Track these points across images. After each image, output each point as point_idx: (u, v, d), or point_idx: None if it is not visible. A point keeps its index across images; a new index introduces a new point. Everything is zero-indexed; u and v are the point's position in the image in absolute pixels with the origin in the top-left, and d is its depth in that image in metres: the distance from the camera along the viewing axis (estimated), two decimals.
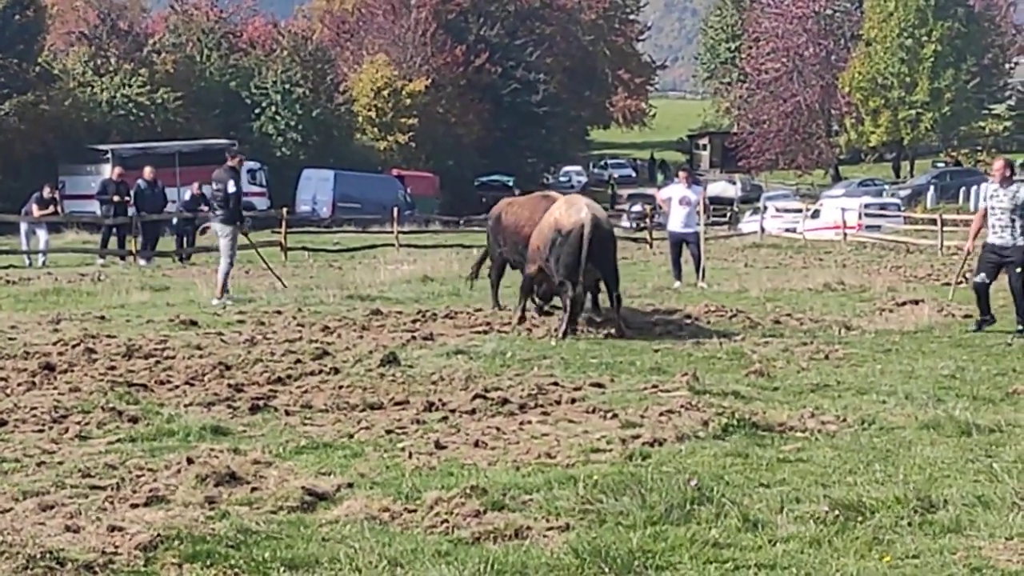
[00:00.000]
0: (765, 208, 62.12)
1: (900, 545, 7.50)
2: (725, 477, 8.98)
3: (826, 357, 15.05)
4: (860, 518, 7.94)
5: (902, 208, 61.18)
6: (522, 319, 18.00)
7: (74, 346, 15.42)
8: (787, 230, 55.06)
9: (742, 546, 7.50)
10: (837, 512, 7.99)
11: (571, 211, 17.24)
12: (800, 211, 58.86)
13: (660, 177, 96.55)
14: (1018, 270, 17.09)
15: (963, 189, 72.25)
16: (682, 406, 11.54)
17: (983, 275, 17.50)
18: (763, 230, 53.40)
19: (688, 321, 18.36)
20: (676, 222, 25.77)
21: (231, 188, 21.66)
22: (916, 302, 20.41)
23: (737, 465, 9.40)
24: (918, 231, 49.38)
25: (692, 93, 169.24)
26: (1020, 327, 17.13)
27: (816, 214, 56.32)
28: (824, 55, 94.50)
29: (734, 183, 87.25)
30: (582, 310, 17.43)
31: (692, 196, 25.80)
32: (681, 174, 27.76)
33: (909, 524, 7.86)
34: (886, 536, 7.66)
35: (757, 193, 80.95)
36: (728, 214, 72.19)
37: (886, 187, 78.42)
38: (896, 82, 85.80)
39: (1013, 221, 17.07)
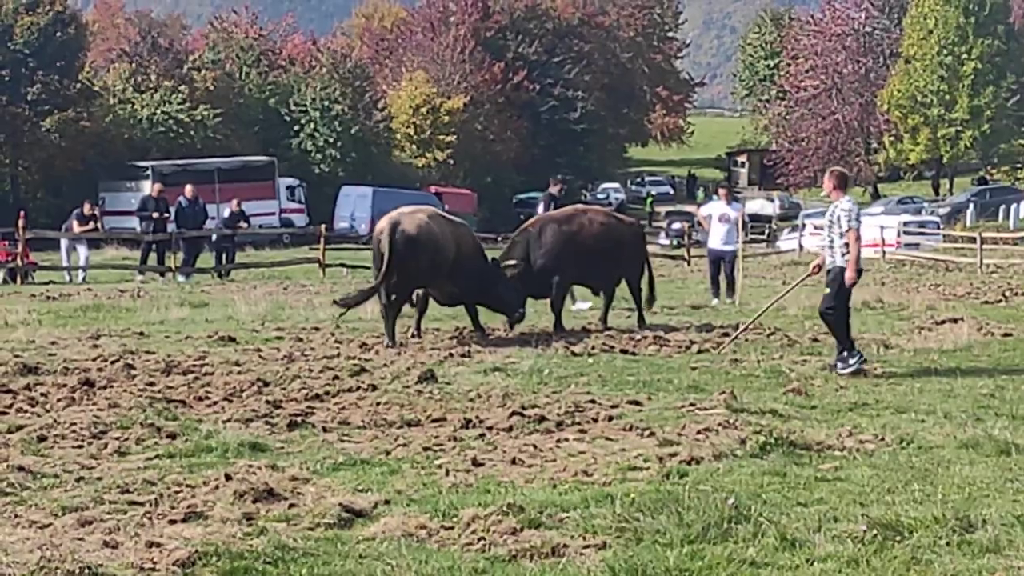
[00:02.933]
0: (803, 225, 61.92)
1: (938, 565, 7.46)
2: (763, 496, 8.95)
3: (864, 375, 15.00)
4: (898, 538, 7.90)
5: (941, 226, 60.93)
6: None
7: (113, 362, 15.49)
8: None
9: (779, 565, 7.48)
10: (875, 532, 7.95)
11: (384, 219, 18.34)
12: None
13: (700, 195, 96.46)
14: None
15: (1003, 207, 71.89)
16: (720, 424, 11.52)
17: None
18: (801, 247, 53.25)
19: (726, 339, 18.31)
20: (716, 239, 25.80)
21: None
22: (955, 320, 20.31)
23: (775, 484, 9.37)
24: (957, 249, 49.17)
25: (730, 111, 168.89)
26: None
27: None
28: (863, 72, 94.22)
29: (772, 200, 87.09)
30: (392, 317, 17.94)
31: (732, 213, 25.84)
32: (720, 191, 27.73)
33: (947, 544, 7.83)
34: (924, 556, 7.62)
35: (795, 210, 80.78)
36: (766, 231, 72.00)
37: (925, 205, 78.08)
38: (935, 100, 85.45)
39: None
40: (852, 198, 15.83)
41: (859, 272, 15.58)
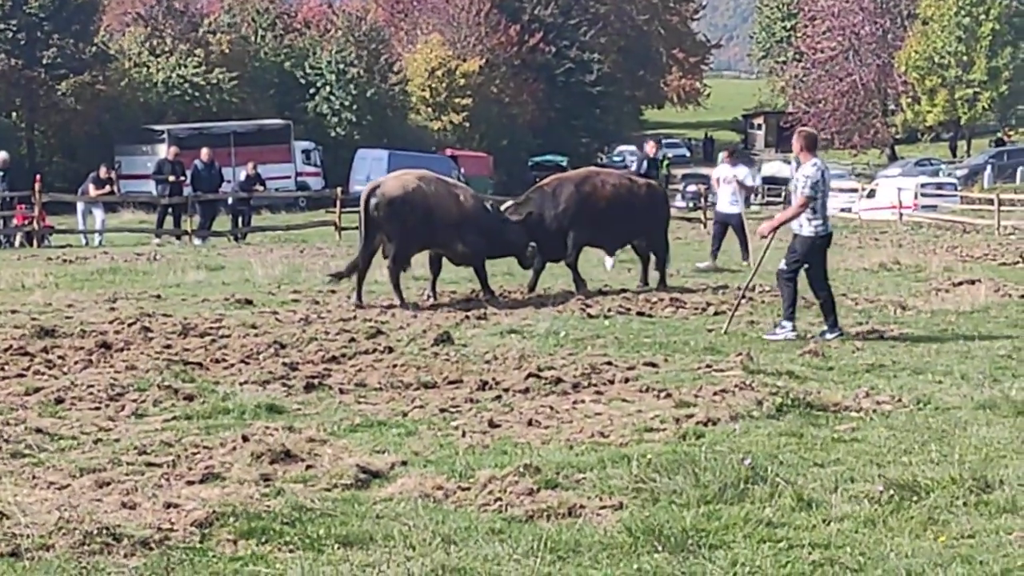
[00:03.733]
0: None
1: (955, 525, 7.46)
2: (779, 457, 8.96)
3: (881, 337, 14.98)
4: (915, 498, 7.89)
5: (959, 188, 60.73)
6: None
7: (130, 325, 15.54)
8: (842, 210, 54.71)
9: (796, 525, 7.48)
10: (892, 492, 7.95)
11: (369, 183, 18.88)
12: (855, 191, 58.50)
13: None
14: None
15: (1020, 169, 71.61)
16: (736, 386, 11.52)
17: None
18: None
19: (743, 300, 18.30)
20: (722, 202, 25.79)
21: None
22: (972, 282, 20.28)
23: (791, 445, 9.37)
24: (975, 211, 49.01)
25: (747, 73, 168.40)
26: None
27: (872, 194, 55.99)
28: (880, 34, 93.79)
29: (789, 163, 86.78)
30: (360, 276, 18.19)
31: (733, 175, 25.60)
32: (723, 154, 27.58)
33: (964, 504, 7.82)
34: (941, 516, 7.62)
35: None
36: (783, 194, 71.79)
37: (942, 167, 77.80)
38: (953, 61, 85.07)
39: None
40: (819, 162, 15.00)
41: (774, 232, 15.37)
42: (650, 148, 24.58)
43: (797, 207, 14.86)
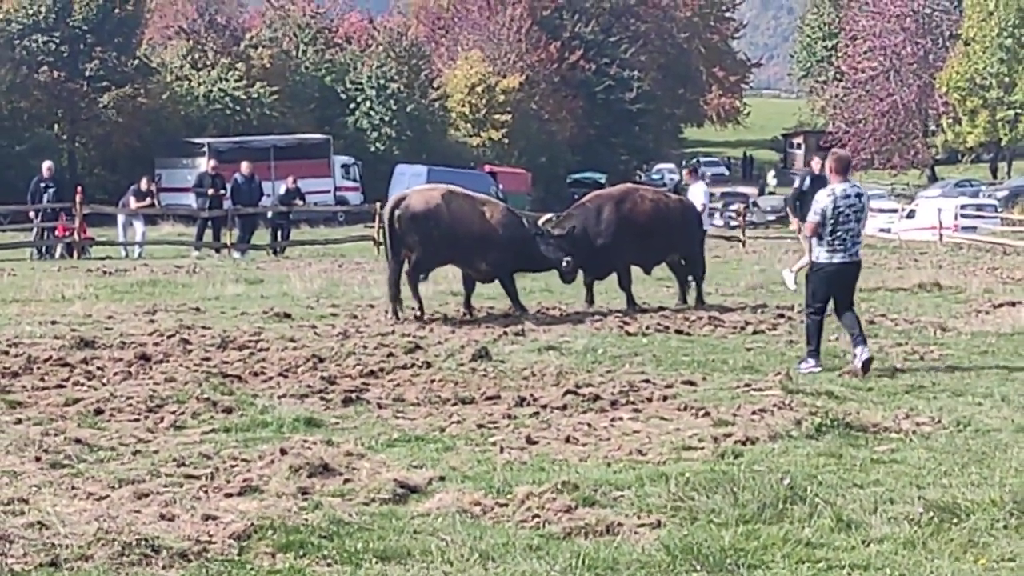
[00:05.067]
0: None
1: (995, 548, 7.43)
2: (818, 477, 8.92)
3: (921, 358, 14.91)
4: (955, 520, 7.86)
5: (999, 209, 60.47)
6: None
7: (169, 337, 15.60)
8: (882, 230, 54.53)
9: (835, 546, 7.46)
10: (932, 514, 7.92)
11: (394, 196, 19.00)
12: (895, 211, 58.30)
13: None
14: None
15: None
16: (775, 405, 11.49)
17: None
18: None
19: (782, 319, 18.26)
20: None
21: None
22: (1013, 304, 20.17)
23: (830, 465, 9.34)
24: (1015, 232, 48.77)
25: (787, 92, 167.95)
26: None
27: (912, 214, 55.79)
28: (922, 54, 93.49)
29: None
30: (393, 290, 18.18)
31: (695, 192, 25.19)
32: (685, 172, 27.20)
33: (1005, 527, 7.78)
34: (981, 539, 7.59)
35: None
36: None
37: (983, 188, 77.44)
38: (995, 82, 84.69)
39: None
40: (845, 187, 13.99)
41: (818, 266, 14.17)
42: (815, 164, 23.11)
43: (808, 230, 14.34)
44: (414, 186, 64.92)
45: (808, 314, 14.34)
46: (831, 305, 14.28)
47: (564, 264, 18.79)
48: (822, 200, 13.97)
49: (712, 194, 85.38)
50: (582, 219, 19.33)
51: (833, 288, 14.16)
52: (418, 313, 18.05)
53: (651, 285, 22.54)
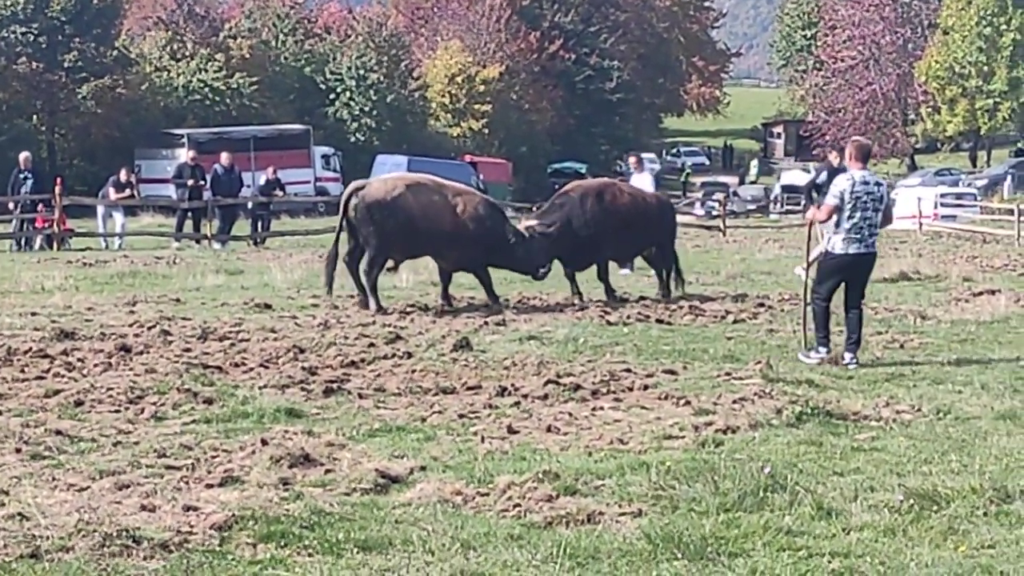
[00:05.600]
0: None
1: (975, 535, 7.45)
2: (799, 465, 8.95)
3: (901, 346, 14.95)
4: (935, 508, 7.89)
5: (979, 198, 60.61)
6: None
7: (150, 328, 15.57)
8: None
9: (816, 534, 7.48)
10: (912, 501, 7.95)
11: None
12: None
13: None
14: None
15: None
16: (755, 394, 11.51)
17: None
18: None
19: (762, 308, 18.29)
20: None
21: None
22: (993, 292, 20.21)
23: (811, 453, 9.37)
24: (995, 221, 48.90)
25: (767, 81, 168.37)
26: None
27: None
28: (901, 43, 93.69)
29: (809, 171, 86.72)
30: (373, 287, 17.97)
31: (640, 182, 24.69)
32: (632, 160, 26.86)
33: (985, 514, 7.81)
34: (961, 526, 7.61)
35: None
36: (802, 203, 71.74)
37: (962, 177, 77.63)
38: (974, 71, 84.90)
39: None
40: (864, 175, 13.76)
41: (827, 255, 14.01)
42: (834, 158, 22.64)
43: (823, 213, 14.15)
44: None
45: (815, 300, 14.05)
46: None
47: (539, 272, 18.67)
48: (840, 183, 13.75)
49: (692, 183, 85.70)
50: (568, 210, 19.20)
51: (845, 279, 13.93)
52: (374, 308, 17.68)
53: (631, 276, 22.57)
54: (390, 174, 19.37)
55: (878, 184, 13.90)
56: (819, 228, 16.28)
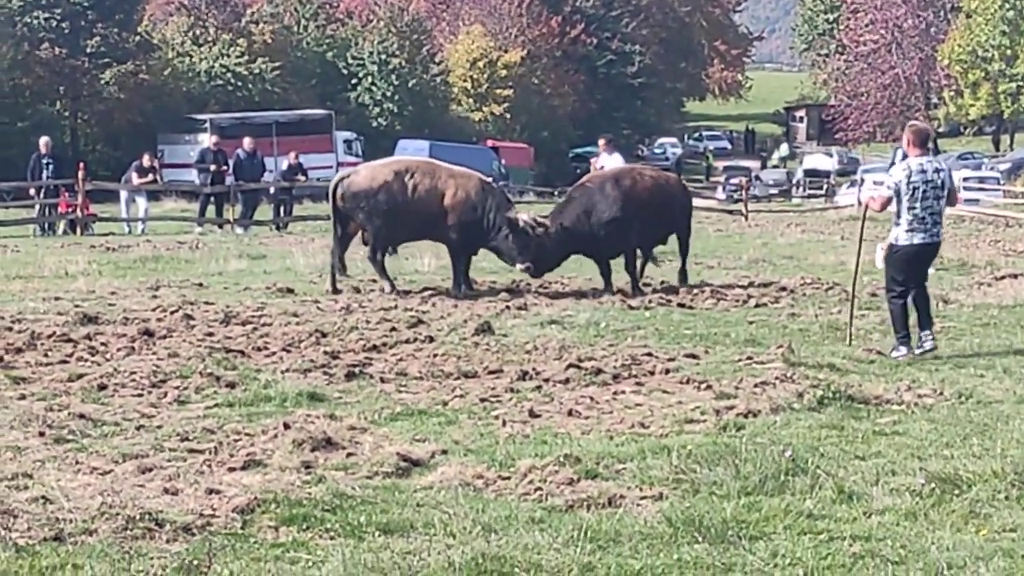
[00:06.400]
0: (862, 181, 61.41)
1: (997, 519, 7.45)
2: (820, 449, 8.95)
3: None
4: (956, 491, 7.88)
5: (1001, 182, 60.39)
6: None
7: (173, 312, 15.62)
8: None
9: (837, 518, 7.48)
10: (933, 485, 7.94)
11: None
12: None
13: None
14: None
15: None
16: (777, 378, 11.49)
17: None
18: (860, 203, 52.86)
19: (784, 293, 18.27)
20: None
21: None
22: (1015, 276, 20.16)
23: (832, 437, 9.36)
24: (1017, 205, 48.73)
25: (789, 65, 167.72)
26: None
27: None
28: (924, 27, 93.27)
29: (831, 155, 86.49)
30: (381, 270, 18.32)
31: (607, 165, 23.96)
32: (601, 141, 26.52)
33: (1006, 498, 7.80)
34: (983, 510, 7.60)
35: (854, 166, 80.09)
36: (825, 187, 71.58)
37: (985, 160, 77.31)
38: (997, 55, 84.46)
39: None
40: (922, 162, 13.20)
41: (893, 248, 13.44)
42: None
43: (878, 203, 13.56)
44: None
45: (890, 298, 13.56)
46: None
47: (522, 267, 18.46)
48: (896, 174, 13.29)
49: (715, 168, 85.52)
50: (587, 201, 18.95)
51: (912, 270, 13.46)
52: (388, 289, 17.97)
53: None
54: (386, 159, 19.31)
55: (938, 170, 13.29)
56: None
